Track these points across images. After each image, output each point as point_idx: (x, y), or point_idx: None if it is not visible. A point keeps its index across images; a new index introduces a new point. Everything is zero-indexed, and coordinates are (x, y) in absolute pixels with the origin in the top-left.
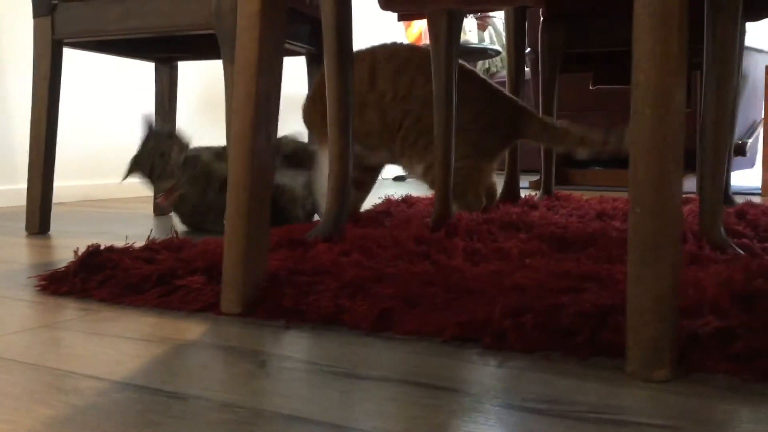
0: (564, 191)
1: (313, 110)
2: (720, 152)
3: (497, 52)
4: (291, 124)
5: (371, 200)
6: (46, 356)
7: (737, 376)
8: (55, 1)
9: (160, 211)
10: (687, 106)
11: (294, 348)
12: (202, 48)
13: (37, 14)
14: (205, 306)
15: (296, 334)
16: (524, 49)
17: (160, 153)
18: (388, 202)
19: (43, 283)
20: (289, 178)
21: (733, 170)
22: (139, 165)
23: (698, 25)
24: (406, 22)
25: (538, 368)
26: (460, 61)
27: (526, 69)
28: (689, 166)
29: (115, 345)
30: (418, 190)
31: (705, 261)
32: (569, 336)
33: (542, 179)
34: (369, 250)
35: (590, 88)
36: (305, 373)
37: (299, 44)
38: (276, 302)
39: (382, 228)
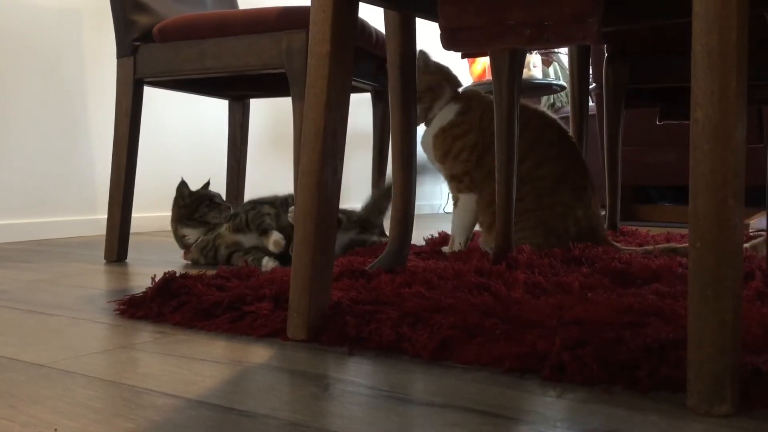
0: (630, 227)
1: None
2: None
3: (562, 87)
4: (357, 158)
5: (432, 233)
6: (125, 375)
7: None
8: (138, 43)
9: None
10: (759, 141)
11: (356, 373)
12: (272, 86)
13: (120, 55)
14: (273, 331)
15: (358, 360)
16: (588, 85)
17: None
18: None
19: (121, 307)
20: None
21: None
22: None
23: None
24: (470, 59)
25: (598, 400)
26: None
27: (591, 104)
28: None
29: (189, 366)
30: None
31: None
32: (630, 369)
33: (607, 214)
34: (430, 282)
35: (657, 123)
36: (367, 397)
37: (365, 81)
38: (339, 329)
39: (444, 260)
